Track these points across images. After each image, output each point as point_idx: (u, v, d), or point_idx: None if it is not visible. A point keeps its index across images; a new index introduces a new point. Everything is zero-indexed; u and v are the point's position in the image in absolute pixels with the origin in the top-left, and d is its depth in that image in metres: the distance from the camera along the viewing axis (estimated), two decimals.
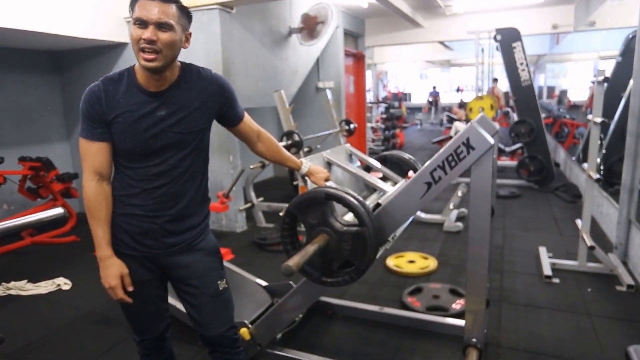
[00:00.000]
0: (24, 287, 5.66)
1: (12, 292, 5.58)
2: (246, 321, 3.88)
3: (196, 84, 2.54)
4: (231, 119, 2.75)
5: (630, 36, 7.83)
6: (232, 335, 2.90)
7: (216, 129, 2.72)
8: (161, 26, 2.25)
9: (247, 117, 2.85)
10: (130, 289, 2.51)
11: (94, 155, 2.42)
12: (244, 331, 3.74)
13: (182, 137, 2.49)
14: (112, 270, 2.46)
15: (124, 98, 2.39)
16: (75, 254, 6.77)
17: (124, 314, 2.81)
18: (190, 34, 2.47)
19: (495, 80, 17.31)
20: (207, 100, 2.56)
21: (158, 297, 2.81)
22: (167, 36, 2.28)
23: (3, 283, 5.71)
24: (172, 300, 3.27)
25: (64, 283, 5.75)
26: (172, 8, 2.29)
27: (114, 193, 2.57)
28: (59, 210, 2.72)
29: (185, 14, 2.39)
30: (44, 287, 5.68)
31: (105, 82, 2.41)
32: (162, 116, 2.42)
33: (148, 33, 2.23)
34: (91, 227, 2.49)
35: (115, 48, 7.77)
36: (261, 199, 8.16)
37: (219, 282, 2.79)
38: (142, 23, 2.24)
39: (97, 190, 2.45)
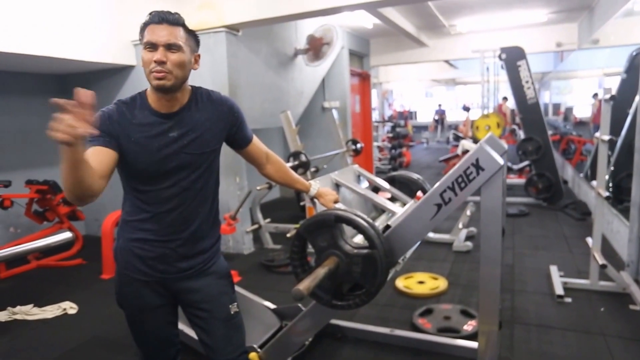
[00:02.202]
0: (29, 312, 5.62)
1: (18, 316, 5.54)
2: (255, 345, 3.85)
3: (206, 106, 2.57)
4: (240, 140, 2.76)
5: (634, 53, 7.83)
6: None
7: (222, 150, 2.71)
8: (170, 47, 2.31)
9: (255, 140, 2.86)
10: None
11: (91, 155, 2.16)
12: (253, 356, 3.70)
13: (194, 158, 2.50)
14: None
15: (137, 119, 2.41)
16: (81, 277, 6.74)
17: (134, 340, 2.78)
18: (199, 55, 2.52)
19: (504, 98, 17.28)
20: (218, 121, 2.59)
21: (169, 323, 2.78)
22: (176, 57, 2.32)
23: (9, 308, 5.67)
24: (182, 326, 3.22)
25: (70, 307, 5.71)
26: (180, 30, 2.35)
27: (125, 218, 2.58)
28: (67, 235, 2.70)
29: (193, 36, 2.45)
30: (50, 311, 5.64)
31: (119, 105, 2.45)
32: (174, 137, 2.44)
33: (158, 55, 2.28)
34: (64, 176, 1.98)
35: (122, 71, 7.79)
36: (268, 220, 8.11)
37: (230, 306, 2.76)
38: (152, 46, 2.30)
39: None
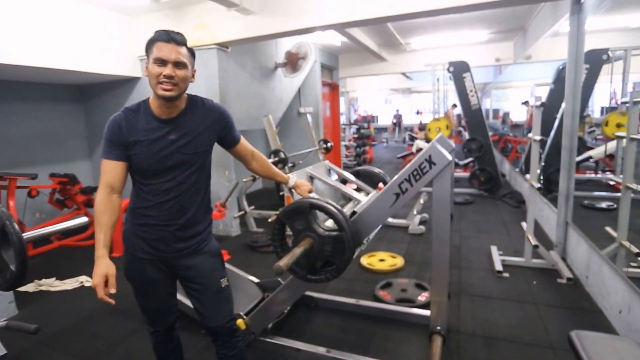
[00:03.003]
0: (52, 284, 5.65)
1: (43, 288, 5.58)
2: (241, 313, 3.85)
3: (200, 112, 2.60)
4: (230, 141, 2.79)
5: (561, 67, 7.89)
6: (232, 326, 2.90)
7: (214, 148, 2.72)
8: (177, 64, 2.37)
9: (243, 140, 2.89)
10: (113, 290, 2.38)
11: (110, 171, 2.46)
12: (240, 322, 3.71)
13: (189, 157, 2.54)
14: (100, 269, 2.38)
15: (141, 125, 2.45)
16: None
17: (140, 308, 2.83)
18: (195, 70, 2.54)
19: (454, 105, 17.31)
20: (210, 125, 2.62)
21: (168, 294, 2.83)
22: (183, 72, 2.39)
23: (35, 280, 5.72)
24: (180, 297, 3.22)
25: (86, 280, 5.73)
26: (184, 49, 2.41)
27: (132, 206, 2.65)
28: (84, 219, 2.70)
29: (192, 54, 2.48)
30: (70, 284, 5.66)
31: (126, 112, 2.49)
32: (172, 139, 2.48)
33: (168, 70, 2.34)
34: (95, 230, 2.48)
35: (130, 81, 7.81)
36: (252, 207, 8.08)
37: (221, 280, 2.81)
38: (162, 62, 2.34)
39: (105, 200, 2.46)
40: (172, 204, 2.56)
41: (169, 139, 2.47)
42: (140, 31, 7.33)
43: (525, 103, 14.10)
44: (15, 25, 5.55)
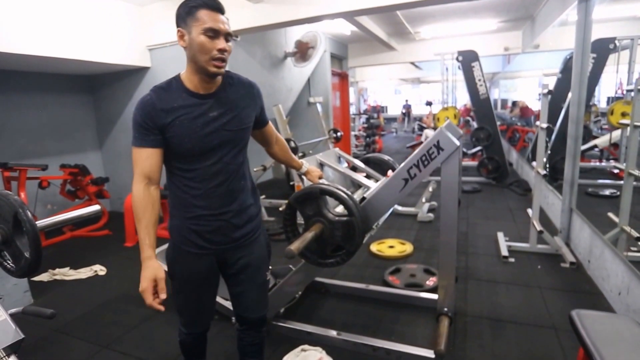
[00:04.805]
0: (67, 273, 5.70)
1: (57, 277, 5.62)
2: None
3: (239, 88, 2.44)
4: (261, 121, 2.69)
5: (568, 57, 7.93)
6: (266, 316, 2.84)
7: None
8: (227, 37, 2.21)
9: (269, 123, 2.82)
10: (163, 296, 2.19)
11: (145, 160, 2.24)
12: None
13: (234, 134, 2.37)
14: (148, 273, 2.20)
15: (177, 102, 2.24)
16: (108, 245, 6.77)
17: (178, 307, 2.67)
18: None
19: None
20: (250, 101, 2.48)
21: (212, 293, 2.70)
22: (230, 45, 2.24)
23: (49, 270, 5.75)
24: None
25: (100, 269, 5.77)
26: (227, 20, 2.23)
27: (177, 199, 2.44)
28: (96, 208, 2.68)
29: None
30: (84, 273, 5.71)
31: (156, 91, 2.27)
32: (215, 116, 2.29)
33: (222, 44, 2.17)
34: (137, 229, 2.27)
35: (139, 72, 7.74)
36: (263, 196, 8.20)
37: (266, 272, 2.76)
38: (215, 33, 2.14)
39: (144, 194, 2.25)
40: (222, 189, 2.38)
41: (211, 115, 2.28)
42: (149, 20, 7.17)
43: (514, 104, 14.54)
44: (23, 15, 5.56)
